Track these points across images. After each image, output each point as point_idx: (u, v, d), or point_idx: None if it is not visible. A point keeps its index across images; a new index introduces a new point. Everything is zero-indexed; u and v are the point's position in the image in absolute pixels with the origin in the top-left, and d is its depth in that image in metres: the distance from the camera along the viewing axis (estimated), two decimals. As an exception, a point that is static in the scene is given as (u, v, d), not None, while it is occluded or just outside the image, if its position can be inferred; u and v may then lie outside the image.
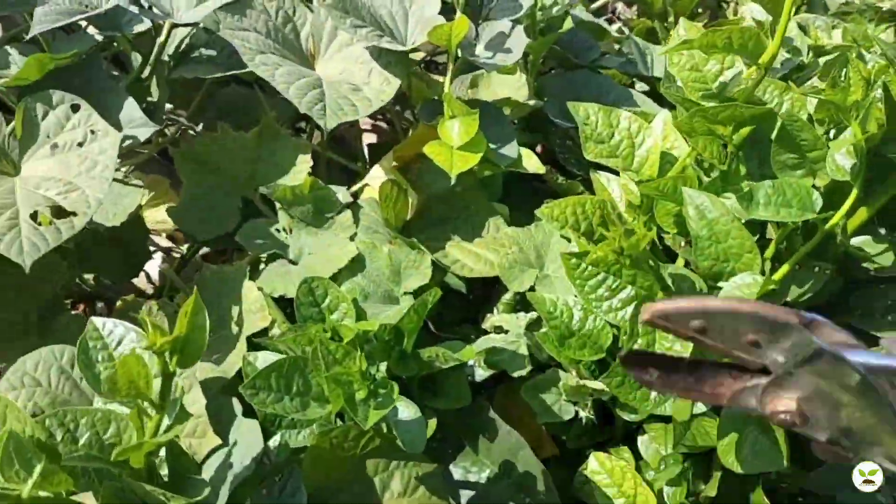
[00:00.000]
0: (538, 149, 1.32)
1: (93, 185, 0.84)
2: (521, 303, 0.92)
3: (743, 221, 0.83)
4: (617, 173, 0.96)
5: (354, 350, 0.66)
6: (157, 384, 0.48)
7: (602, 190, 0.97)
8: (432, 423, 0.80)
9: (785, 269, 0.80)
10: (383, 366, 0.78)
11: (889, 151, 0.76)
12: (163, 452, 0.64)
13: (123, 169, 1.19)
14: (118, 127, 0.91)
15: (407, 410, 0.72)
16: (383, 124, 1.46)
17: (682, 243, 0.86)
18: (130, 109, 0.93)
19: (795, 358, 0.41)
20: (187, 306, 0.46)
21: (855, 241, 0.80)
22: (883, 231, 0.83)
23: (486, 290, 0.98)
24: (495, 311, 0.93)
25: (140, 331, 0.50)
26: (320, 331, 0.69)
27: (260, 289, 0.88)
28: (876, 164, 0.78)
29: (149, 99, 1.09)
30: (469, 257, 0.94)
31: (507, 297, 0.92)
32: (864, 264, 0.77)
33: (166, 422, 0.50)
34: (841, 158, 0.76)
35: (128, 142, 0.90)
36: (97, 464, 0.52)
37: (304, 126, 1.31)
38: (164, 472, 0.66)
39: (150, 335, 0.44)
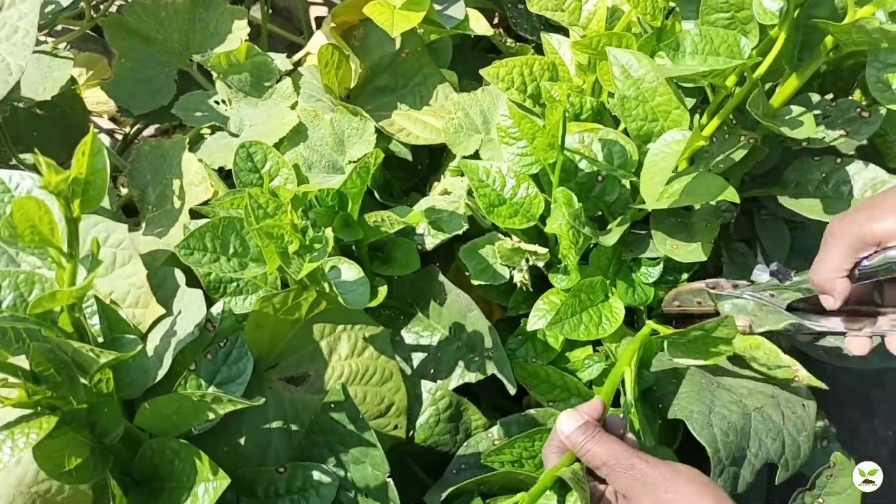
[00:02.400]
0: (495, 20, 1.28)
1: (14, 51, 0.80)
2: (470, 168, 0.91)
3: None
4: (568, 34, 0.93)
5: (287, 205, 0.64)
6: (64, 232, 0.46)
7: (552, 52, 0.94)
8: (382, 289, 0.79)
9: (715, 122, 0.79)
10: (328, 232, 0.77)
11: (818, 14, 0.74)
12: (97, 319, 0.64)
13: (60, 46, 1.13)
14: (39, -8, 0.86)
15: (350, 270, 0.71)
16: (333, -3, 1.40)
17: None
18: (51, -27, 0.87)
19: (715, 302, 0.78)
20: (84, 146, 0.44)
21: (784, 111, 0.78)
22: (815, 99, 0.80)
23: (434, 159, 0.97)
24: (442, 178, 0.91)
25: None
26: (258, 192, 0.67)
27: (200, 161, 0.86)
28: (805, 29, 0.76)
29: (75, -34, 1.03)
30: (415, 125, 0.92)
31: (453, 163, 0.90)
32: (791, 133, 0.76)
33: (83, 275, 0.49)
34: (768, 1, 0.73)
35: (50, 7, 0.85)
36: (20, 324, 0.51)
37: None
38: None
39: (45, 175, 0.42)
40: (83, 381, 0.57)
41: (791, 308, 0.74)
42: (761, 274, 0.76)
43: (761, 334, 0.75)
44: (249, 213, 0.64)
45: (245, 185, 0.76)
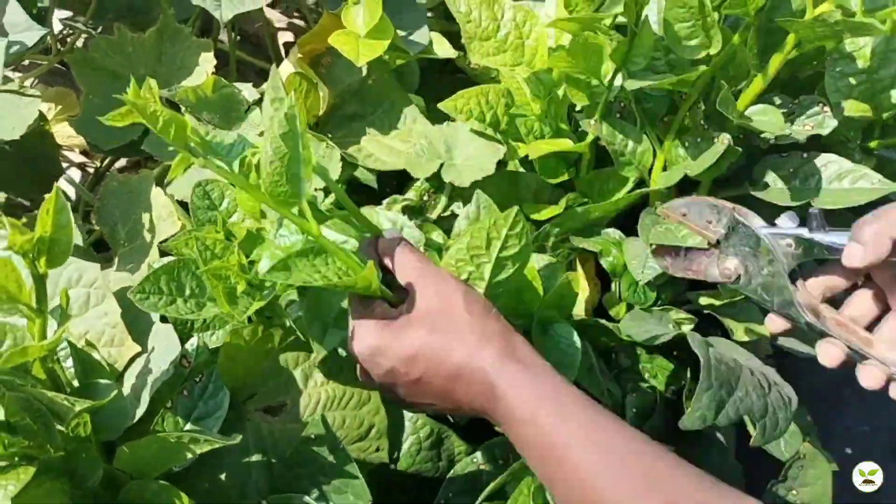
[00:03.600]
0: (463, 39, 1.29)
1: (-21, 96, 0.80)
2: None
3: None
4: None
5: (234, 245, 0.65)
6: (32, 288, 0.47)
7: (508, 77, 0.95)
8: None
9: (674, 127, 0.82)
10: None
11: (778, 17, 0.76)
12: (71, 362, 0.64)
13: (27, 82, 1.13)
14: (2, 32, 0.86)
15: (308, 306, 0.72)
16: (300, 22, 1.41)
17: (592, 122, 0.85)
18: (14, 13, 0.88)
19: (727, 230, 0.69)
20: (48, 204, 0.45)
21: (752, 110, 0.80)
22: (778, 101, 0.83)
23: (402, 183, 0.97)
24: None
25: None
26: (212, 231, 0.68)
27: (170, 195, 0.86)
28: (767, 31, 0.78)
29: (39, 5, 1.03)
30: (383, 151, 0.93)
31: (417, 184, 0.91)
32: (763, 129, 0.78)
33: (53, 327, 0.49)
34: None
35: (15, 48, 0.86)
36: (-8, 375, 0.51)
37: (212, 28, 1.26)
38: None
39: (10, 235, 0.43)
40: (60, 427, 0.57)
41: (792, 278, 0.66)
42: (788, 221, 0.67)
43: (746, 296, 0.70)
44: (198, 255, 0.64)
45: (202, 223, 0.76)
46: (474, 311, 0.61)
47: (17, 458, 0.53)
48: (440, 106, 0.89)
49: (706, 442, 0.88)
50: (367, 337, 0.63)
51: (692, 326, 0.82)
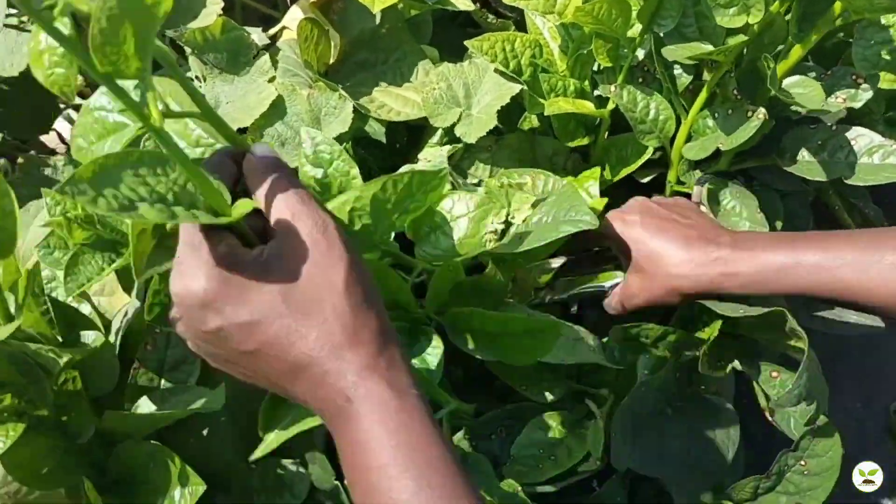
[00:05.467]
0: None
1: (-23, 30, 0.76)
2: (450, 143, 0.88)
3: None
4: (551, 10, 0.90)
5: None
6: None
7: (536, 32, 0.91)
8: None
9: (703, 96, 0.78)
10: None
11: None
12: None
13: (24, 18, 1.09)
14: (3, -35, 0.82)
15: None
16: (310, -35, 1.35)
17: (612, 88, 0.82)
18: (12, -57, 0.83)
19: None
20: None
21: (789, 82, 0.77)
22: (812, 74, 0.79)
23: (413, 137, 0.94)
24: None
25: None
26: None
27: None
28: (804, 3, 0.74)
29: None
30: (396, 101, 0.89)
31: (434, 138, 0.88)
32: (793, 107, 0.74)
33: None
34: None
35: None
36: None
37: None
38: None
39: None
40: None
41: None
42: None
43: None
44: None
45: None
46: (353, 295, 0.46)
47: (6, 414, 0.51)
48: (467, 44, 0.86)
49: (713, 409, 0.86)
50: (197, 277, 0.45)
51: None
